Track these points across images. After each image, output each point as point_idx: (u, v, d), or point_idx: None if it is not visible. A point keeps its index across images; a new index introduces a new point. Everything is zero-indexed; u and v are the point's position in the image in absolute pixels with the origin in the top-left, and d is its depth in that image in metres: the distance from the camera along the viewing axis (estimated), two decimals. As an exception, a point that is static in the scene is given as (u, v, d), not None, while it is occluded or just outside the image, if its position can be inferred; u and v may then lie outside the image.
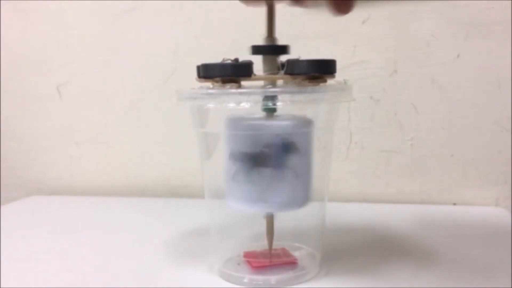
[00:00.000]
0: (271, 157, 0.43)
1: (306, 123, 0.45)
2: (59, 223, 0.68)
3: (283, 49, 0.45)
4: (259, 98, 0.42)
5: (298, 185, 0.45)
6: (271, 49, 0.45)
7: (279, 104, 0.42)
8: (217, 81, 0.43)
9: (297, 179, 0.45)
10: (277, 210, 0.46)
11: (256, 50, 0.45)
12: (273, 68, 0.45)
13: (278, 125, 0.44)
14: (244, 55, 0.44)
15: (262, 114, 0.45)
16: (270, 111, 0.45)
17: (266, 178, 0.44)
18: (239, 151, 0.44)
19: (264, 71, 0.45)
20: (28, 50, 0.84)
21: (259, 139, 0.43)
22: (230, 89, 0.42)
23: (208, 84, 0.44)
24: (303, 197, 0.45)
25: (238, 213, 0.47)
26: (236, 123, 0.44)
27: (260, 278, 0.46)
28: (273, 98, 0.42)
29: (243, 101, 0.41)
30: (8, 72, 0.86)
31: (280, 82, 0.45)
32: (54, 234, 0.63)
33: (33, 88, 0.85)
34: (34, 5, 0.83)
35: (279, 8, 0.70)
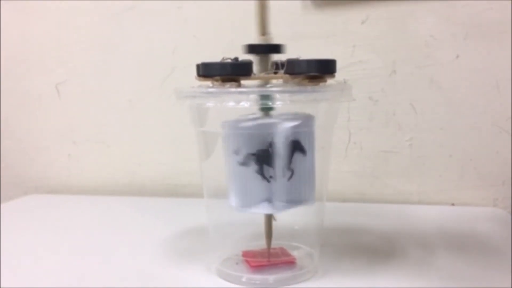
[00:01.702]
0: (276, 157, 0.43)
1: (309, 121, 0.45)
2: (58, 222, 0.68)
3: (277, 48, 0.45)
4: (259, 97, 0.42)
5: (303, 184, 0.45)
6: (264, 48, 0.45)
7: (278, 103, 0.42)
8: (216, 80, 0.43)
9: (302, 178, 0.45)
10: (284, 210, 0.45)
11: (249, 49, 0.44)
12: (266, 68, 0.45)
13: (283, 123, 0.43)
14: (244, 55, 0.44)
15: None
16: (267, 110, 0.45)
17: (271, 178, 0.44)
18: (242, 151, 0.44)
19: (257, 70, 0.45)
20: (26, 49, 0.84)
21: (263, 138, 0.43)
22: (230, 88, 0.42)
23: (208, 83, 0.44)
24: (308, 196, 0.45)
25: (237, 213, 0.47)
26: (238, 123, 0.44)
27: (258, 277, 0.46)
28: (269, 97, 0.42)
29: (243, 100, 0.41)
30: (7, 71, 0.86)
31: (279, 81, 0.45)
32: (52, 233, 0.63)
33: (31, 87, 0.85)
34: (32, 4, 0.82)
35: (277, 8, 0.70)
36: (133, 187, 0.82)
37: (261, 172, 0.44)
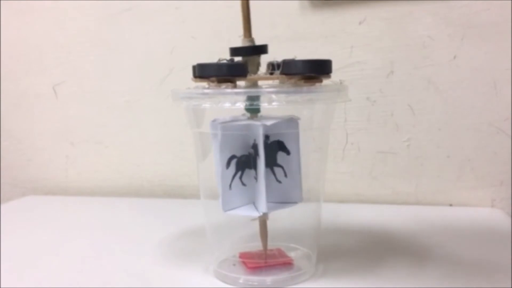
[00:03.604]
0: (259, 158, 0.43)
1: (292, 123, 0.45)
2: (56, 223, 0.68)
3: (262, 49, 0.45)
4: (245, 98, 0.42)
5: (289, 184, 0.45)
6: (249, 50, 0.45)
7: (274, 104, 0.42)
8: (212, 81, 0.42)
9: (287, 178, 0.45)
10: (269, 211, 0.45)
11: (231, 52, 0.44)
12: (253, 69, 0.44)
13: (264, 124, 0.43)
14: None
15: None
16: (254, 112, 0.45)
17: (255, 179, 0.44)
18: (226, 154, 0.44)
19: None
20: (24, 49, 0.84)
21: (246, 140, 0.43)
22: (226, 89, 0.42)
23: (204, 84, 0.44)
24: (295, 196, 0.45)
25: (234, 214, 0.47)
26: (221, 125, 0.44)
27: (255, 278, 0.46)
28: (256, 98, 0.42)
29: (239, 101, 0.41)
30: (4, 71, 0.85)
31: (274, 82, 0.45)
32: (50, 235, 0.63)
33: (29, 87, 0.85)
34: (30, 4, 0.82)
35: (276, 9, 0.70)
36: (131, 188, 0.82)
37: (242, 175, 0.44)
